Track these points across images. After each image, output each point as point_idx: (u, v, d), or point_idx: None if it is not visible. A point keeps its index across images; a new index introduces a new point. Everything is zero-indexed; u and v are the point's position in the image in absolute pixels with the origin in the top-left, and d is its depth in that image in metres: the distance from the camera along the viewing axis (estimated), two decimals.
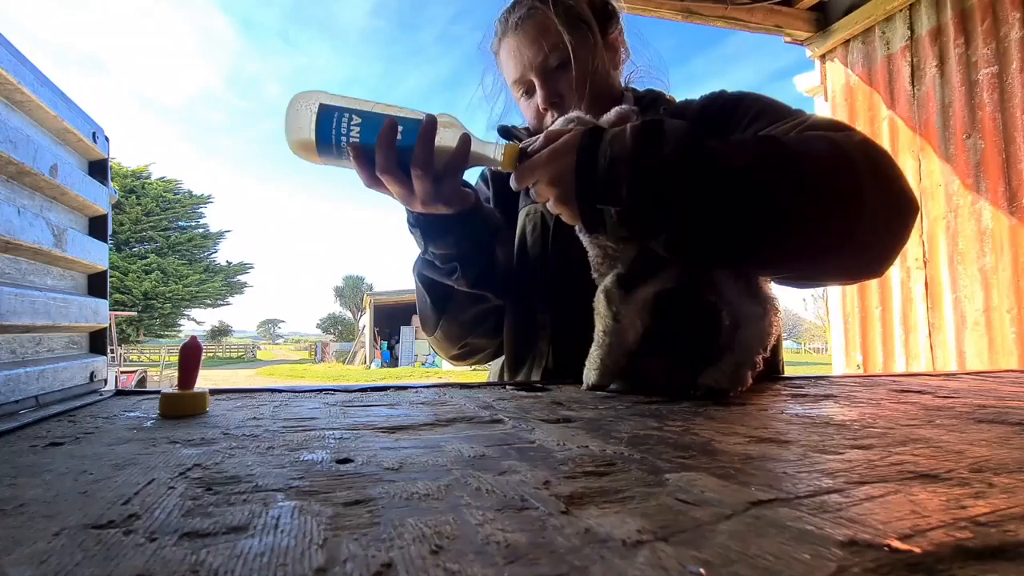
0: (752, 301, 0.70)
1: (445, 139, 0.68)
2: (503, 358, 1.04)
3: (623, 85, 1.02)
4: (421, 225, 0.81)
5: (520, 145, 0.69)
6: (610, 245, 0.71)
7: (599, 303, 0.71)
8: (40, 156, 0.61)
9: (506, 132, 1.02)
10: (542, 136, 0.68)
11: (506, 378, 1.02)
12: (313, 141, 0.66)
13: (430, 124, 0.66)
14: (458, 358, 1.04)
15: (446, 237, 0.81)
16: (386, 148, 0.65)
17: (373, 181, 0.69)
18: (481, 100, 1.06)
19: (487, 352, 1.05)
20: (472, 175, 1.12)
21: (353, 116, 0.66)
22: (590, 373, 0.73)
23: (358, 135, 0.66)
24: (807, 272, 0.71)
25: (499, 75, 1.01)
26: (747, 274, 0.71)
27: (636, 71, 1.05)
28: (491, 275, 0.88)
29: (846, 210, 0.61)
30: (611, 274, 0.71)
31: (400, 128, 0.66)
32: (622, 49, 1.00)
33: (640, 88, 1.03)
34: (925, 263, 2.73)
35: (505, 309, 1.00)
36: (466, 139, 0.67)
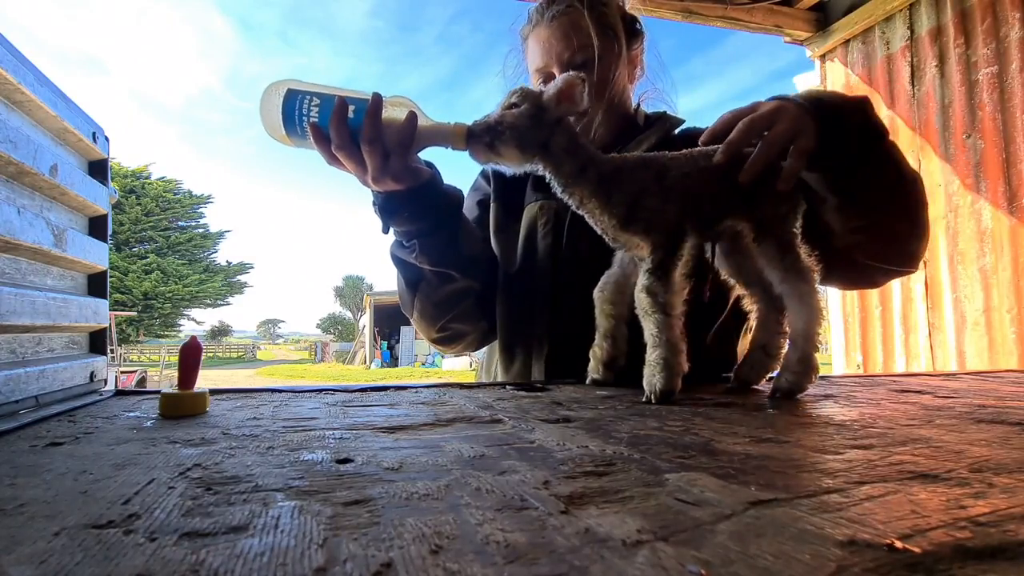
0: (799, 278, 0.69)
1: (393, 116, 0.73)
2: (487, 352, 1.09)
3: (635, 103, 1.08)
4: (380, 203, 0.84)
5: (469, 125, 0.72)
6: (640, 249, 0.71)
7: (642, 302, 0.67)
8: (40, 156, 0.61)
9: None
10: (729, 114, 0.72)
11: (498, 367, 1.05)
12: (281, 122, 0.72)
13: (376, 102, 0.70)
14: (441, 342, 1.06)
15: (402, 212, 0.85)
16: (337, 125, 0.70)
17: (332, 158, 0.74)
18: (500, 81, 1.11)
19: (470, 339, 1.06)
20: (453, 166, 1.17)
21: (313, 98, 0.71)
22: (656, 379, 0.65)
23: (317, 115, 0.71)
24: (891, 264, 0.85)
25: (523, 60, 1.06)
26: (794, 249, 0.70)
27: (649, 92, 1.11)
28: (453, 253, 0.91)
29: (921, 223, 0.81)
30: (641, 274, 0.68)
31: (353, 108, 0.71)
32: (639, 67, 1.06)
33: (649, 110, 1.10)
34: (925, 263, 2.72)
35: (498, 299, 1.03)
36: (412, 116, 0.72)
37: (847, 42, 3.11)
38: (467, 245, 0.94)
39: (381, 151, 0.72)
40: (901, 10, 2.82)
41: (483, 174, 1.15)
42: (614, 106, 0.99)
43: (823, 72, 3.27)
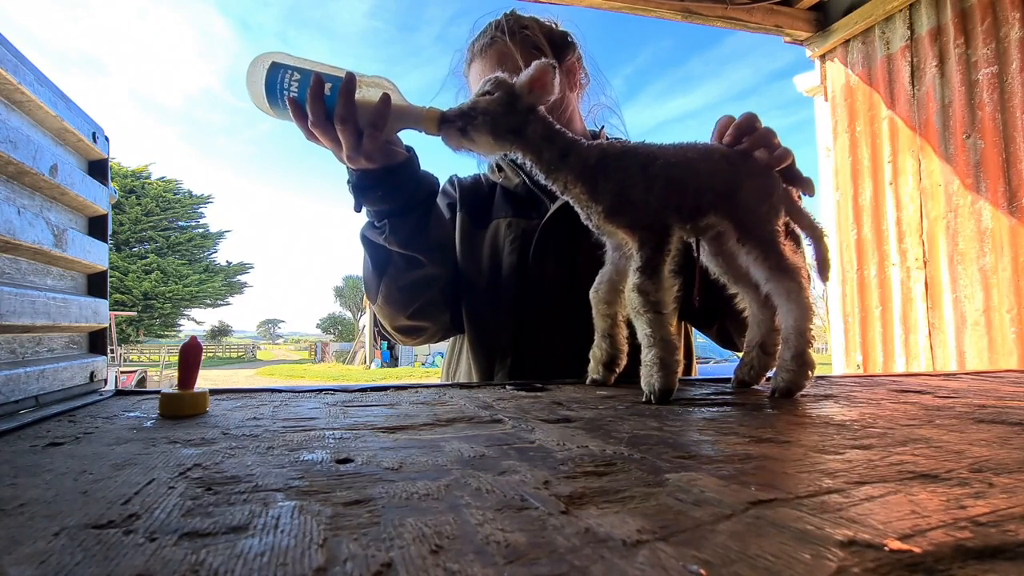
0: (785, 276, 0.69)
1: (368, 96, 0.73)
2: (448, 351, 1.14)
3: (583, 120, 1.15)
4: (354, 180, 0.85)
5: (442, 110, 0.72)
6: (628, 242, 0.71)
7: (634, 301, 0.67)
8: (40, 156, 0.61)
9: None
10: None
11: (463, 368, 1.08)
12: (264, 94, 0.72)
13: (349, 81, 0.71)
14: (404, 332, 1.06)
15: (376, 191, 0.86)
16: (313, 102, 0.71)
17: (309, 134, 0.75)
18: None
19: (433, 330, 1.08)
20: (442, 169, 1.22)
21: (294, 73, 0.72)
22: (654, 379, 0.64)
23: (296, 91, 0.72)
24: None
25: (469, 96, 1.11)
26: (777, 248, 0.71)
27: (598, 105, 1.18)
28: (422, 237, 0.92)
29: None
30: (631, 273, 0.68)
31: (329, 85, 0.71)
32: (580, 73, 1.13)
33: (600, 123, 1.17)
34: (925, 263, 2.72)
35: (463, 306, 1.06)
36: (386, 98, 0.72)
37: (847, 42, 3.10)
38: (437, 232, 0.95)
39: (354, 130, 0.73)
40: (901, 10, 2.82)
41: (449, 181, 1.18)
42: (564, 123, 1.04)
43: (823, 72, 3.26)
